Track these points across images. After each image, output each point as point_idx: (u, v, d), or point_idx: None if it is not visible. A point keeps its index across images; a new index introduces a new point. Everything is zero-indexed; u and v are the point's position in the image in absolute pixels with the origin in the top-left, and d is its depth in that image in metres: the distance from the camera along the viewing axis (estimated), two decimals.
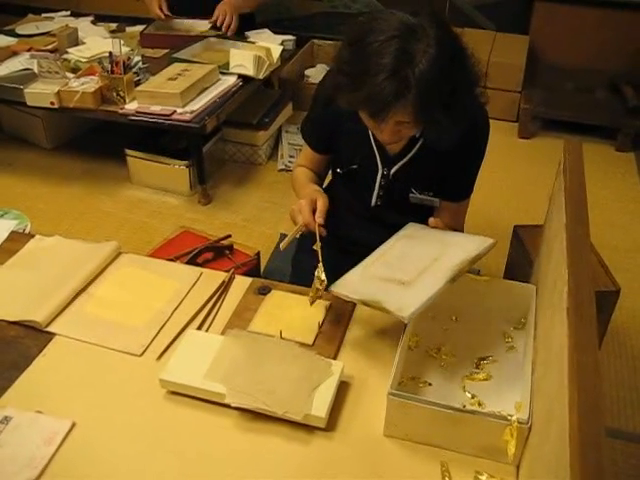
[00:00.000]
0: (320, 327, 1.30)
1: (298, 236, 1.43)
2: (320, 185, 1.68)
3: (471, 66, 1.27)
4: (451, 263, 1.22)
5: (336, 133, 1.45)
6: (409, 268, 1.25)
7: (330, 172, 1.67)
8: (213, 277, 1.46)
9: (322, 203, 1.41)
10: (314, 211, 1.39)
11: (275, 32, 3.43)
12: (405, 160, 1.47)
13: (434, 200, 1.51)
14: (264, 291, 1.40)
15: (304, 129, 1.64)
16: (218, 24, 3.21)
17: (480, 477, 1.03)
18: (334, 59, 1.28)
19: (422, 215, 1.48)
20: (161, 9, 3.26)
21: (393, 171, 1.49)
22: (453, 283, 1.19)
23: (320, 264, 1.28)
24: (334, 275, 1.42)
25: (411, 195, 1.51)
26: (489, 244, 1.28)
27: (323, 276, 1.27)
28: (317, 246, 1.33)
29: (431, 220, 1.39)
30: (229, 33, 3.22)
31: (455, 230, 1.52)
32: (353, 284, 1.26)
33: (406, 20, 1.17)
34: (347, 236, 1.65)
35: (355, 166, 1.54)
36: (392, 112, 1.19)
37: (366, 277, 1.27)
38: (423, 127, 1.31)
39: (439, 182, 1.49)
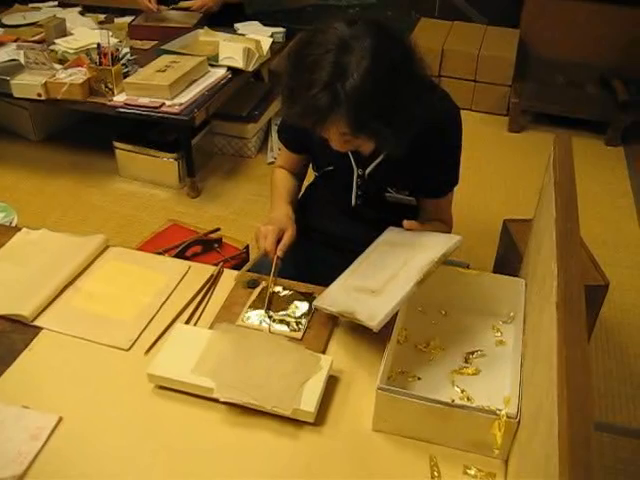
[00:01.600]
0: (309, 321, 1.30)
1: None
2: (299, 187, 1.70)
3: (420, 70, 1.25)
4: (419, 266, 1.21)
5: (309, 135, 1.45)
6: (380, 276, 1.26)
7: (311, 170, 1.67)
8: (202, 270, 1.45)
9: (289, 236, 1.43)
10: (280, 240, 1.41)
11: (265, 24, 3.42)
12: (378, 160, 1.46)
13: (410, 199, 1.51)
14: (253, 285, 1.39)
15: (280, 131, 1.65)
16: (194, 8, 3.32)
17: (469, 471, 1.03)
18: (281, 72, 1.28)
19: (403, 213, 1.48)
20: (150, 1, 3.25)
21: (368, 171, 1.49)
22: (421, 285, 1.18)
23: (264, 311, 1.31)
24: (323, 268, 1.42)
25: (387, 194, 1.51)
26: (455, 242, 1.26)
27: (268, 320, 1.29)
28: (269, 281, 1.36)
29: (405, 222, 1.37)
30: (200, 10, 3.35)
31: (443, 222, 1.53)
32: (331, 297, 1.29)
33: (342, 33, 1.15)
34: (332, 232, 1.65)
35: (331, 168, 1.54)
36: (327, 125, 1.19)
37: (343, 289, 1.30)
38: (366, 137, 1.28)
39: (414, 181, 1.48)
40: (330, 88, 1.13)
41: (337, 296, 1.28)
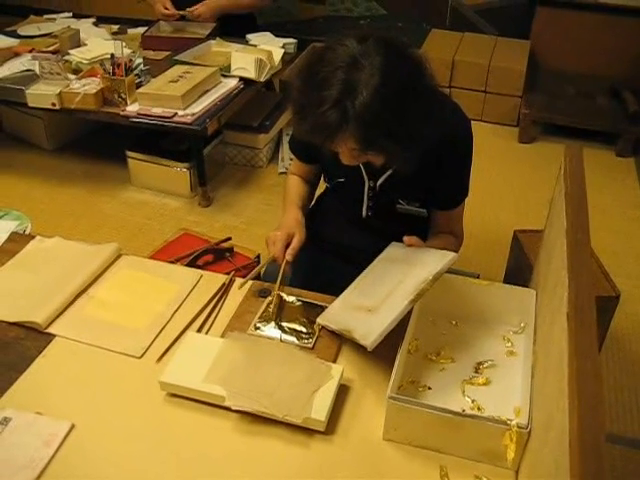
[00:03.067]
0: (320, 330, 1.30)
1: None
2: (312, 194, 1.70)
3: (430, 87, 1.25)
4: (414, 284, 1.21)
5: (320, 148, 1.46)
6: (377, 294, 1.27)
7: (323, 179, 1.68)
8: (213, 280, 1.46)
9: (297, 240, 1.43)
10: (289, 245, 1.41)
11: (277, 35, 3.44)
12: (389, 172, 1.46)
13: (421, 211, 1.52)
14: (264, 294, 1.40)
15: (291, 143, 1.66)
16: (191, 16, 3.33)
17: None
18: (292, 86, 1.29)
19: (414, 224, 1.49)
20: (166, 8, 3.29)
21: (379, 183, 1.49)
22: (416, 302, 1.19)
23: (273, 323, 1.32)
24: (332, 278, 1.42)
25: (398, 206, 1.52)
26: (449, 259, 1.25)
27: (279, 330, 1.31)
28: (276, 288, 1.37)
29: (406, 239, 1.37)
30: (197, 19, 3.35)
31: (454, 235, 1.53)
32: (332, 314, 1.31)
33: (352, 50, 1.15)
34: (342, 242, 1.66)
35: (342, 179, 1.54)
36: (336, 142, 1.20)
37: (344, 307, 1.32)
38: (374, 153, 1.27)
39: (425, 193, 1.49)
40: (339, 105, 1.13)
41: (337, 313, 1.30)
